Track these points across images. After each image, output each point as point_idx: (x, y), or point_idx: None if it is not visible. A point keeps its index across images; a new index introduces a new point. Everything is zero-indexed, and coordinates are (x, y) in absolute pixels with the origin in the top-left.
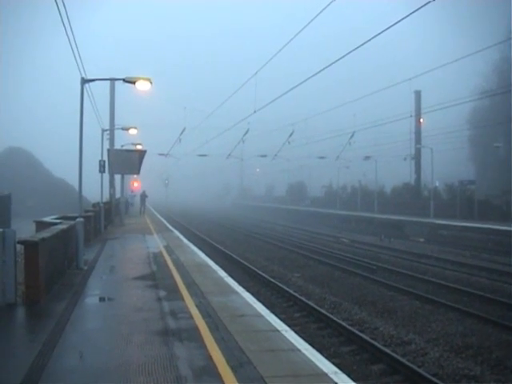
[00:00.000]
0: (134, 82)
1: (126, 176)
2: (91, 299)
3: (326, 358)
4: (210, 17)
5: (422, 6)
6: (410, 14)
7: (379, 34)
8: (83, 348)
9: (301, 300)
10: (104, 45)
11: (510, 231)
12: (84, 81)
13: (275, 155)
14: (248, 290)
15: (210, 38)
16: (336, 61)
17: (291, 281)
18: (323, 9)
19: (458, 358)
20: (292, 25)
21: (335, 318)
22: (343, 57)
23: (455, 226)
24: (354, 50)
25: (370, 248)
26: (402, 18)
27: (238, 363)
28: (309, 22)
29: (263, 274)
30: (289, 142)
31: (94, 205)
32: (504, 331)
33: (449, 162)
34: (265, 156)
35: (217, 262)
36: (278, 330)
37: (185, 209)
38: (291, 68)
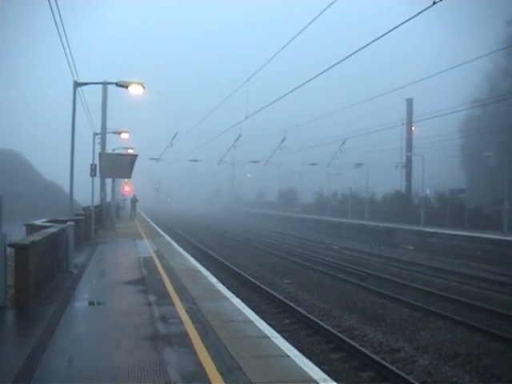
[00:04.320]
0: (126, 87)
1: (117, 180)
2: (81, 303)
3: (316, 364)
4: (203, 23)
5: (416, 15)
6: (403, 23)
7: (372, 42)
8: (73, 352)
9: (290, 306)
10: (96, 49)
11: (499, 240)
12: (76, 84)
13: (267, 161)
14: (238, 296)
15: (203, 44)
16: (328, 68)
17: (281, 287)
18: (316, 16)
19: (447, 366)
20: (285, 31)
21: (325, 325)
22: (335, 65)
23: (445, 234)
24: (346, 57)
25: (360, 255)
26: (396, 27)
27: (228, 369)
28: (303, 29)
29: (253, 280)
30: (280, 149)
31: (84, 208)
32: (493, 340)
33: (440, 171)
34: (256, 162)
35: (207, 268)
36: (267, 337)
37: (176, 214)
38: (284, 74)
